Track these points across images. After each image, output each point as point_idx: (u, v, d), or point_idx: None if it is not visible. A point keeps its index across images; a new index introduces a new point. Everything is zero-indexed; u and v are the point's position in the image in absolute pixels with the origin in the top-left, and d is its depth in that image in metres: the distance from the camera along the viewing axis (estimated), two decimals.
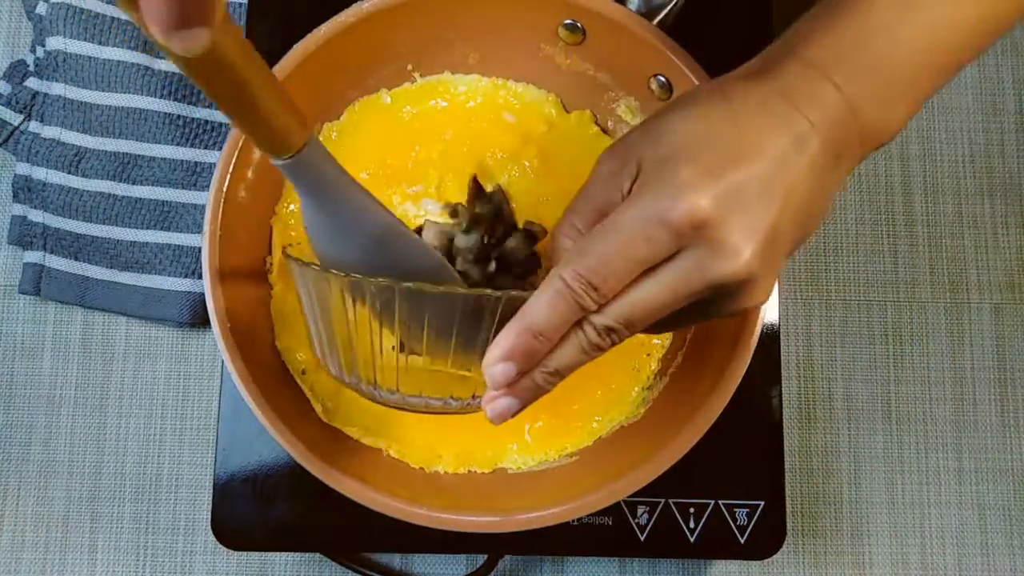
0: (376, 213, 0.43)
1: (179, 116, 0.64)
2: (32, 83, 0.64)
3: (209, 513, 0.56)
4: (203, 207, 0.50)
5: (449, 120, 0.58)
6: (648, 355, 0.56)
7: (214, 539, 0.55)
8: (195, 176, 0.64)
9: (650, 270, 0.35)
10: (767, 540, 0.56)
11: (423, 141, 0.58)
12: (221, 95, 0.32)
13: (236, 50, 0.30)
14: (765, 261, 0.35)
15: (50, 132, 0.64)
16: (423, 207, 0.57)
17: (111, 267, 0.63)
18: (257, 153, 0.52)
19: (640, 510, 0.56)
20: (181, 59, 0.28)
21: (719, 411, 0.48)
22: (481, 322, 0.41)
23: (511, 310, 0.37)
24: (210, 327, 0.50)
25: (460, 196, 0.56)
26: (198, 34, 0.25)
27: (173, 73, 0.64)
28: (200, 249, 0.53)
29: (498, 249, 0.53)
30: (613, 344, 0.37)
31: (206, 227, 0.50)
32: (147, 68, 0.64)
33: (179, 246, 0.63)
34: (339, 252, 0.43)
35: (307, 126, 0.37)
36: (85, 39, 0.63)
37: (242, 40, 0.31)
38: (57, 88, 0.63)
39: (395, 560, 0.62)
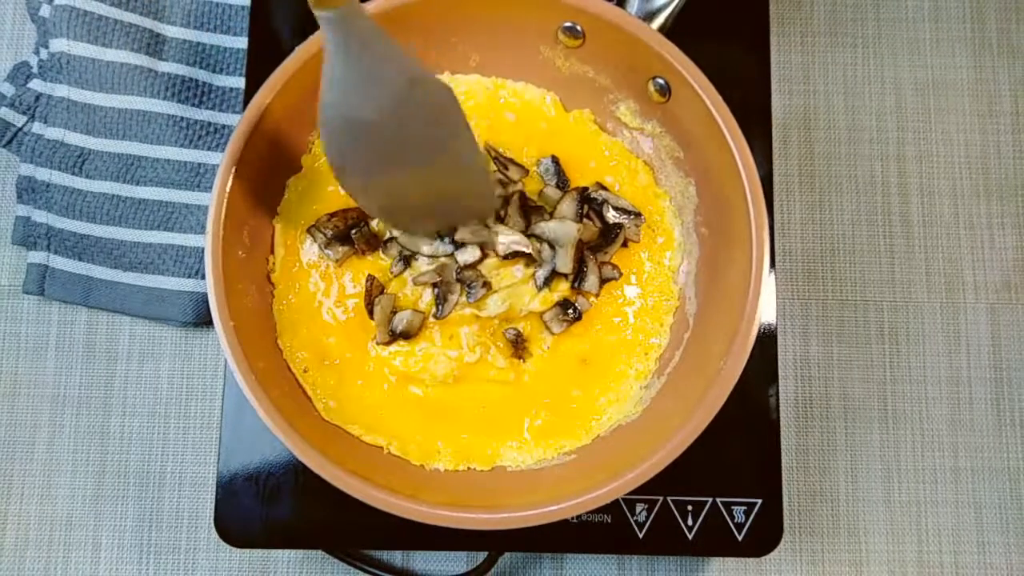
0: (407, 61, 0.45)
1: (182, 118, 0.64)
2: (36, 85, 0.65)
3: (212, 511, 0.56)
4: (206, 208, 0.50)
5: None
6: (646, 355, 0.56)
7: (217, 537, 0.56)
8: (198, 177, 0.64)
9: None
10: (764, 538, 0.56)
11: None
12: None
13: None
14: None
15: (54, 133, 0.64)
16: None
17: (115, 267, 0.64)
18: (256, 154, 0.52)
19: (639, 508, 0.56)
20: None
21: (716, 410, 0.48)
22: None
23: None
24: (213, 327, 0.51)
25: None
26: None
27: (176, 75, 0.65)
28: (203, 249, 0.54)
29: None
30: None
31: (209, 227, 0.50)
32: (150, 70, 0.64)
33: (182, 246, 0.64)
34: (360, 105, 0.44)
35: None
36: (88, 41, 0.63)
37: None
38: (61, 90, 0.64)
39: (396, 557, 0.62)
